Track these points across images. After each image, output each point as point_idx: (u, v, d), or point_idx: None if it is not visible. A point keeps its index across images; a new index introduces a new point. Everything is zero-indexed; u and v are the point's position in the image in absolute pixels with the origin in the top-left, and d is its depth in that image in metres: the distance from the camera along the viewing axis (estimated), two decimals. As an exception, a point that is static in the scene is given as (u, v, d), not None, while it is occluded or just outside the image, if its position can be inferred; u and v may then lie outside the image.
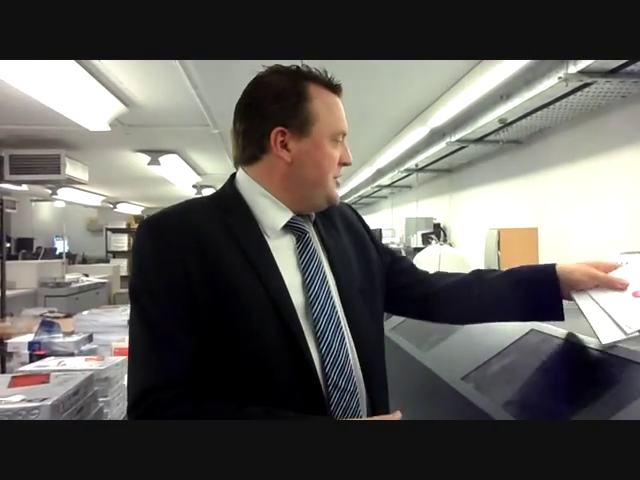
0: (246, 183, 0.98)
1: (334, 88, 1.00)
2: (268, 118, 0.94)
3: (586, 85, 2.22)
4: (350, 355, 0.94)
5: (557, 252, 2.89)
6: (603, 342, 0.96)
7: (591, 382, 0.97)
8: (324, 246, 1.01)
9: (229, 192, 1.00)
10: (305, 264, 0.95)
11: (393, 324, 2.00)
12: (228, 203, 0.97)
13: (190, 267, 0.86)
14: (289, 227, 0.97)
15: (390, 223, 7.17)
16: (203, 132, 3.94)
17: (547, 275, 1.04)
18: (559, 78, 2.09)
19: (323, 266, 0.98)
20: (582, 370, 1.02)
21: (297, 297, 0.91)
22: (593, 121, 2.71)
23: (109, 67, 2.67)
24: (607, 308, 0.98)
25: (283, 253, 0.95)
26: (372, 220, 8.87)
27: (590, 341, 1.07)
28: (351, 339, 0.95)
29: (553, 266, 1.05)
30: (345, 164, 1.01)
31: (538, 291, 1.04)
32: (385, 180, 5.73)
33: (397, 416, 0.83)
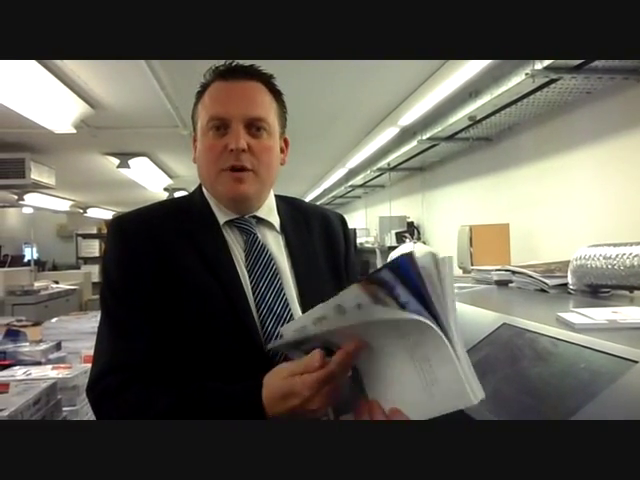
0: None
1: (224, 74, 0.96)
2: (194, 123, 1.00)
3: (552, 81, 2.25)
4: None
5: (527, 247, 2.93)
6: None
7: (563, 374, 0.97)
8: (287, 243, 1.02)
9: (192, 195, 1.05)
10: (251, 264, 0.96)
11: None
12: (192, 203, 1.02)
13: (145, 264, 0.91)
14: (236, 226, 0.99)
15: (364, 223, 7.19)
16: (173, 133, 3.88)
17: None
18: (526, 74, 2.11)
19: (273, 267, 0.97)
20: (553, 362, 1.03)
21: (247, 292, 0.93)
22: (560, 117, 2.75)
23: (73, 68, 2.61)
24: None
25: (235, 249, 0.97)
26: (347, 220, 8.88)
27: (560, 333, 1.07)
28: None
29: None
30: (230, 150, 0.92)
31: None
32: (358, 180, 5.74)
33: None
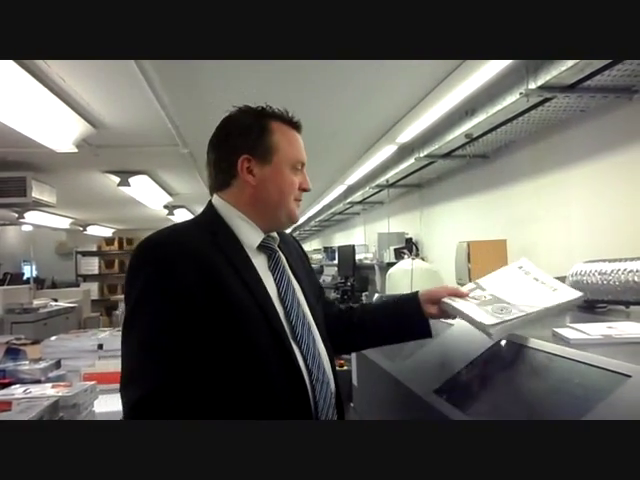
0: (223, 207, 1.13)
1: (294, 125, 1.16)
2: (236, 148, 1.11)
3: (546, 100, 2.29)
4: (320, 352, 1.11)
5: (525, 263, 2.95)
6: (487, 323, 1.11)
7: (558, 389, 0.98)
8: (289, 264, 1.19)
9: (211, 215, 1.13)
10: (278, 279, 1.12)
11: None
12: (213, 225, 1.10)
13: (193, 287, 0.97)
14: (261, 246, 1.13)
15: (363, 239, 7.21)
16: (173, 152, 3.91)
17: (409, 295, 1.31)
18: (520, 94, 2.15)
19: (291, 280, 1.15)
20: (549, 377, 1.04)
21: (278, 307, 1.07)
22: (555, 135, 2.79)
23: (74, 87, 2.65)
24: (474, 306, 1.18)
25: (260, 269, 1.09)
26: (345, 237, 8.91)
27: (555, 348, 1.09)
28: (319, 339, 1.13)
29: (416, 292, 1.29)
30: (304, 190, 1.17)
31: (403, 309, 1.28)
32: (357, 196, 5.77)
33: None
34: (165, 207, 6.90)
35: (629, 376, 0.87)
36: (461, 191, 4.10)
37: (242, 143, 1.10)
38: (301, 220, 10.12)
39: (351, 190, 5.72)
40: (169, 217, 7.46)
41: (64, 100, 2.75)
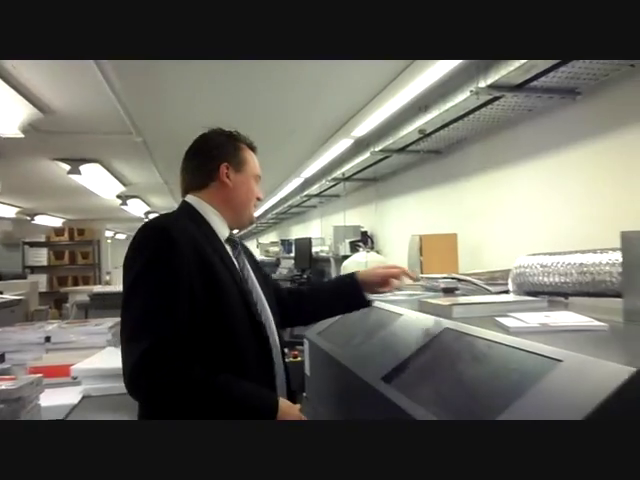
0: (199, 204, 1.38)
1: (254, 148, 1.50)
2: (218, 157, 1.40)
3: (496, 99, 2.36)
4: (272, 325, 1.39)
5: (474, 256, 3.04)
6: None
7: (496, 374, 1.03)
8: (246, 255, 1.48)
9: (189, 210, 1.37)
10: (241, 265, 1.40)
11: (318, 329, 2.03)
12: (195, 218, 1.35)
13: (191, 264, 1.20)
14: (228, 239, 1.41)
15: (320, 232, 7.25)
16: (126, 140, 3.82)
17: (348, 273, 1.66)
18: (470, 91, 2.21)
19: (249, 268, 1.44)
20: (488, 363, 1.09)
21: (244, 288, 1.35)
22: (504, 133, 2.88)
23: (20, 69, 2.55)
24: None
25: (228, 257, 1.36)
26: (302, 230, 8.93)
27: (496, 336, 1.14)
28: (270, 314, 1.40)
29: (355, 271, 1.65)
30: (259, 199, 1.50)
31: (345, 282, 1.62)
32: (313, 190, 5.79)
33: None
34: (118, 197, 6.73)
35: (561, 361, 0.92)
36: (415, 185, 4.19)
37: (222, 154, 1.40)
38: (258, 212, 10.08)
39: (308, 183, 5.73)
40: (122, 207, 7.28)
41: (8, 82, 2.64)
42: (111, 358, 2.22)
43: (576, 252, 1.60)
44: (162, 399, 1.11)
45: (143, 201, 7.60)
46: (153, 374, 1.08)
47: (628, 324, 1.27)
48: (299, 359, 2.66)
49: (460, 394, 1.03)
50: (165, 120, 3.55)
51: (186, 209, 1.37)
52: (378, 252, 4.61)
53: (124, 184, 5.91)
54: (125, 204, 7.10)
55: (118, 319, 1.20)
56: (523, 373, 0.96)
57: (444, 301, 1.57)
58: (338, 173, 4.60)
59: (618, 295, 1.41)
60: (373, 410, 1.30)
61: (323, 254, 5.86)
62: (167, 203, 7.61)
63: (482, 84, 2.14)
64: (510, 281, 1.86)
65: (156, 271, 1.16)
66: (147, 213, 8.71)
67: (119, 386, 1.20)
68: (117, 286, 5.85)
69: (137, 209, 7.94)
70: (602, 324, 1.19)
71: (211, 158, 1.39)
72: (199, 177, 1.40)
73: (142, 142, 3.90)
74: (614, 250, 1.44)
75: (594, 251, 1.52)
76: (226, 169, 1.38)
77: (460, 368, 1.12)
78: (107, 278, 9.71)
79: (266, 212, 9.56)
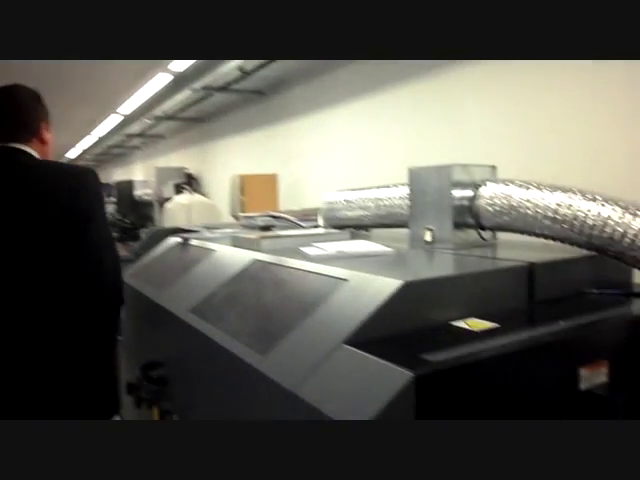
0: (36, 155, 1.48)
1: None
2: (39, 115, 1.52)
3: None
4: None
5: (294, 195, 3.16)
6: None
7: (293, 297, 1.10)
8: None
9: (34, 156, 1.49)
10: None
11: (133, 271, 1.97)
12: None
13: None
14: None
15: (143, 174, 6.88)
16: None
17: None
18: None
19: None
20: (288, 288, 1.16)
21: None
22: (326, 74, 2.97)
23: None
24: None
25: None
26: (125, 173, 8.38)
27: (297, 263, 1.21)
28: None
29: None
30: None
31: None
32: (134, 128, 5.43)
33: None
34: None
35: (347, 280, 1.02)
36: (240, 126, 4.16)
37: (42, 113, 1.52)
38: (75, 153, 9.16)
39: (128, 121, 5.35)
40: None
41: None
42: None
43: (374, 187, 1.74)
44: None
45: None
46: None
47: (411, 249, 1.44)
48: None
49: (259, 317, 1.09)
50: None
51: (30, 154, 1.48)
52: (203, 194, 4.54)
53: None
54: None
55: None
56: (316, 293, 1.04)
57: (255, 235, 1.61)
58: (159, 111, 4.36)
59: (407, 225, 1.58)
60: (184, 341, 1.31)
61: (147, 197, 5.59)
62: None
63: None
64: (320, 216, 1.98)
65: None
66: None
67: None
68: None
69: None
70: (389, 249, 1.34)
71: (34, 114, 1.51)
72: (23, 130, 1.47)
73: None
74: (404, 185, 1.60)
75: (388, 186, 1.68)
76: (45, 126, 1.53)
77: (263, 295, 1.18)
78: None
79: (84, 153, 8.74)
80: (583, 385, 0.93)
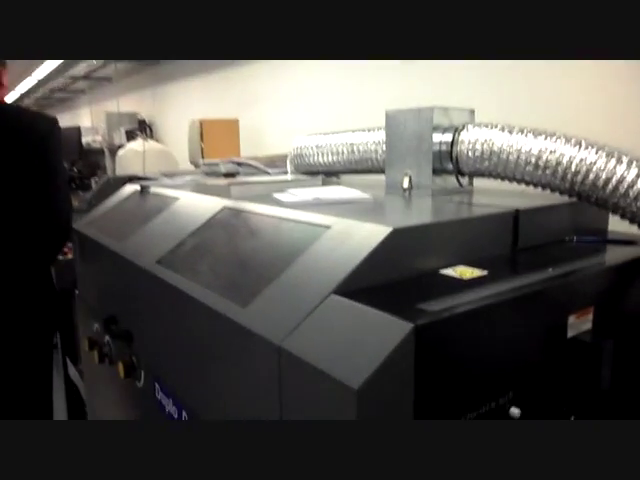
0: None
1: None
2: None
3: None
4: None
5: (255, 142, 3.04)
6: None
7: (271, 245, 1.04)
8: None
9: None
10: None
11: (89, 220, 1.84)
12: None
13: None
14: None
15: (90, 120, 6.51)
16: None
17: None
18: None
19: None
20: (263, 236, 1.09)
21: None
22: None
23: None
24: None
25: None
26: (70, 118, 7.90)
27: (271, 210, 1.14)
28: None
29: None
30: None
31: None
32: (79, 70, 5.07)
33: None
34: None
35: (329, 227, 0.96)
36: (198, 69, 3.93)
37: None
38: (12, 97, 8.55)
39: (71, 62, 4.97)
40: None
41: None
42: None
43: (347, 132, 1.66)
44: None
45: None
46: None
47: (388, 196, 1.39)
48: (69, 256, 2.41)
49: (235, 268, 1.02)
50: None
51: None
52: (158, 140, 4.33)
53: None
54: None
55: None
56: (297, 241, 0.97)
57: (222, 182, 1.52)
58: (107, 50, 4.05)
59: (382, 171, 1.52)
60: (150, 294, 1.23)
61: (96, 145, 5.29)
62: None
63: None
64: (288, 162, 1.89)
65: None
66: None
67: None
68: None
69: None
70: (367, 196, 1.28)
71: None
72: None
73: None
74: (380, 129, 1.53)
75: (363, 130, 1.60)
76: (4, 70, 1.63)
77: (237, 244, 1.10)
78: None
79: (22, 97, 8.16)
80: (570, 332, 0.92)
